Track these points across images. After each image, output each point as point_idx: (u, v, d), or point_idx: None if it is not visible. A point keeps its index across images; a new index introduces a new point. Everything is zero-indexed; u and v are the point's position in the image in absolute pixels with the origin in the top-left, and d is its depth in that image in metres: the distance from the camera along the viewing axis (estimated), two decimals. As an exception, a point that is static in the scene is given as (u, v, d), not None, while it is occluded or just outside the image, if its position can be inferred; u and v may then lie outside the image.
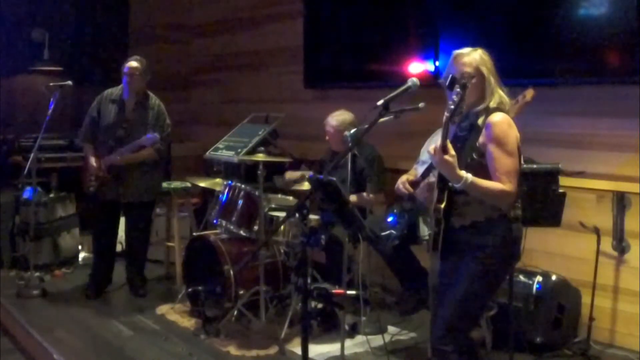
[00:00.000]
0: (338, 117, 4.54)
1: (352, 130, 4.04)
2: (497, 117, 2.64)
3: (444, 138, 2.53)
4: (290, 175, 4.79)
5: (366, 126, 3.03)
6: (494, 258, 2.68)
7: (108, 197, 4.86)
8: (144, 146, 4.69)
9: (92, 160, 4.82)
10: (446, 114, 2.56)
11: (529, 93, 3.48)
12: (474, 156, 2.61)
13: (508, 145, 2.61)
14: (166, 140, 4.88)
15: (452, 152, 2.53)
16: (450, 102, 2.57)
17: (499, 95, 2.71)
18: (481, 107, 2.69)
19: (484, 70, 2.68)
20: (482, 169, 2.61)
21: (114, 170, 4.76)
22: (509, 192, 2.59)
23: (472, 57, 2.70)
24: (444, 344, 2.74)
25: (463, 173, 2.54)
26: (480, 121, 2.66)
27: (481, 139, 2.64)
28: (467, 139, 2.69)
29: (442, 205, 2.68)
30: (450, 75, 2.62)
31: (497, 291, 2.94)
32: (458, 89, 2.55)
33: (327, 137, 4.60)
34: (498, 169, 2.60)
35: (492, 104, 2.69)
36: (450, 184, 2.65)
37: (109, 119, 4.82)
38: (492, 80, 2.69)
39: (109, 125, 4.81)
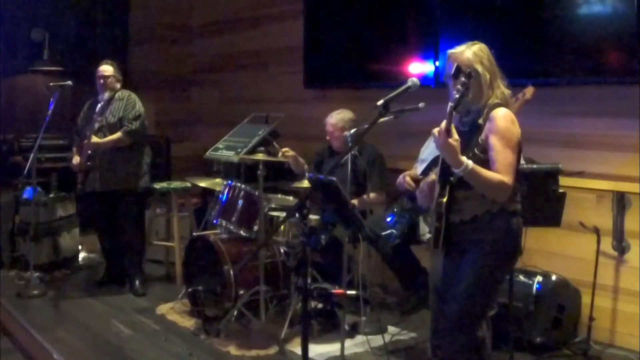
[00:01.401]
0: (337, 116, 4.55)
1: (352, 130, 4.05)
2: (500, 112, 2.64)
3: (449, 123, 2.51)
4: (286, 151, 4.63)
5: (366, 126, 3.03)
6: (495, 252, 2.67)
7: (89, 187, 4.93)
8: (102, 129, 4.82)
9: (74, 159, 4.98)
10: (450, 103, 2.55)
11: (529, 91, 3.48)
12: (477, 152, 2.61)
13: (509, 139, 2.61)
14: (134, 124, 4.87)
15: (456, 136, 2.51)
16: (455, 92, 2.56)
17: (500, 91, 2.70)
18: (481, 103, 2.68)
19: (479, 67, 2.66)
20: (484, 166, 2.59)
21: (93, 160, 4.86)
22: (507, 184, 2.57)
23: (466, 55, 2.69)
24: (449, 342, 2.73)
25: (464, 159, 2.53)
26: (481, 119, 2.66)
27: (484, 135, 2.63)
28: (469, 135, 2.68)
29: (444, 200, 2.67)
30: (455, 64, 2.61)
31: (500, 287, 2.92)
32: (463, 78, 2.55)
33: (327, 137, 4.60)
34: (498, 161, 2.59)
35: (493, 100, 2.68)
36: (451, 178, 2.64)
37: (87, 118, 4.99)
38: (488, 76, 2.68)
39: (87, 123, 4.96)
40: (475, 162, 2.57)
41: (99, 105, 4.95)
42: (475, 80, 2.63)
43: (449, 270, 2.80)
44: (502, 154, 2.59)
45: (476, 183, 2.59)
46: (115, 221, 5.05)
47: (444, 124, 2.52)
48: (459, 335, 2.72)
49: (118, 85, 5.01)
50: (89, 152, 4.84)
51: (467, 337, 2.73)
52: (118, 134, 4.84)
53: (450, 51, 2.75)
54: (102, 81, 4.96)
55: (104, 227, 5.17)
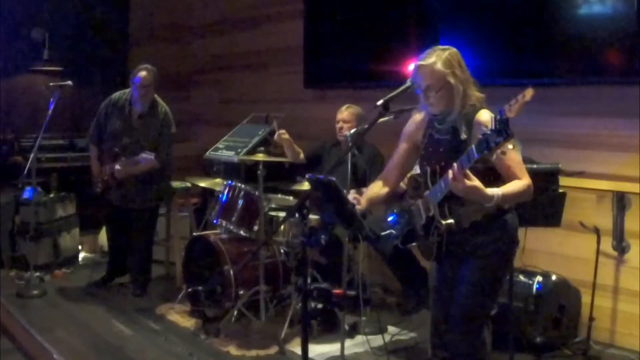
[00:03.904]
0: (348, 109, 4.51)
1: (352, 130, 4.05)
2: (484, 116, 2.58)
3: (461, 168, 2.42)
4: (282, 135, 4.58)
5: (366, 126, 3.03)
6: (496, 253, 2.66)
7: (113, 202, 4.92)
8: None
9: (95, 164, 4.93)
10: (457, 163, 2.45)
11: (528, 93, 3.46)
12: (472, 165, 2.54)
13: None
14: (168, 149, 4.87)
15: (473, 177, 2.44)
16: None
17: (472, 98, 2.63)
18: (454, 114, 2.62)
19: (451, 80, 2.59)
20: (485, 176, 2.55)
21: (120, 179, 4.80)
22: (530, 184, 2.57)
23: (437, 68, 2.60)
24: (458, 345, 2.72)
25: (491, 191, 2.48)
26: (462, 131, 2.59)
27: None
28: (451, 141, 2.64)
29: (450, 221, 2.62)
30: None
31: (504, 284, 2.91)
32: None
33: (341, 127, 4.51)
34: (510, 166, 2.56)
35: (466, 109, 2.61)
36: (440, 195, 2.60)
37: (115, 126, 4.84)
38: (461, 88, 2.60)
39: (115, 132, 4.83)
40: (475, 175, 2.50)
41: (133, 116, 4.81)
42: (446, 91, 2.59)
43: (450, 274, 2.78)
44: (508, 157, 2.52)
45: (511, 201, 2.60)
46: (129, 225, 5.01)
47: (455, 168, 2.43)
48: (467, 337, 2.71)
49: (154, 93, 4.83)
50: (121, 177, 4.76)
51: (476, 338, 2.73)
52: (152, 162, 4.67)
53: (419, 62, 2.65)
54: (142, 92, 4.71)
55: (116, 228, 5.13)
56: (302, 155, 4.61)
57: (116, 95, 4.95)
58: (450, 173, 2.46)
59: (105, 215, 5.22)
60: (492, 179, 2.58)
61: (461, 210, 2.64)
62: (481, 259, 2.66)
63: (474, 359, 2.74)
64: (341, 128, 4.50)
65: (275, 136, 4.54)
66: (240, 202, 4.33)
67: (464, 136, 2.59)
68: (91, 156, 5.04)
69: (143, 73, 4.72)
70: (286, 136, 4.51)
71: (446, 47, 2.68)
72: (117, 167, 4.73)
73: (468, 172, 2.44)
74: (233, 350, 3.91)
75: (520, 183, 2.56)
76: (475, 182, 2.45)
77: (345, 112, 4.52)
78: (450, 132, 2.66)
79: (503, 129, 2.25)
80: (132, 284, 5.04)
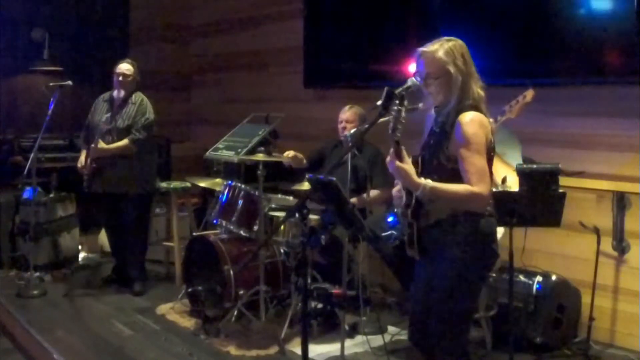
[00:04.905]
0: (351, 109, 4.50)
1: (352, 130, 4.04)
2: (467, 117, 2.50)
3: (396, 148, 2.43)
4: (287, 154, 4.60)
5: (366, 126, 3.03)
6: (463, 258, 2.55)
7: (97, 190, 4.93)
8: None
9: (81, 159, 4.98)
10: (390, 130, 2.46)
11: (529, 93, 3.49)
12: (442, 161, 2.52)
13: (477, 144, 2.47)
14: (142, 133, 4.85)
15: (407, 159, 2.46)
16: (391, 117, 2.48)
17: (473, 92, 2.55)
18: (451, 106, 2.56)
19: (451, 68, 2.51)
20: (453, 176, 2.50)
21: (99, 162, 4.84)
22: (479, 193, 2.46)
23: (438, 55, 2.53)
24: (438, 347, 2.69)
25: (422, 180, 2.44)
26: (448, 124, 2.55)
27: (451, 144, 2.52)
28: (440, 136, 2.60)
29: (410, 210, 2.59)
30: (386, 89, 2.49)
31: (479, 292, 2.79)
32: (397, 102, 2.45)
33: (344, 127, 4.51)
34: (468, 170, 2.47)
35: (464, 102, 2.54)
36: None
37: (98, 119, 4.95)
38: (460, 78, 2.52)
39: (97, 124, 4.93)
40: (442, 172, 2.48)
41: (114, 105, 4.92)
42: (445, 82, 2.53)
43: (422, 274, 2.72)
44: (470, 161, 2.47)
45: (443, 200, 2.51)
46: (120, 221, 5.05)
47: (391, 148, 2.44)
48: (444, 341, 2.66)
49: (135, 86, 4.98)
50: (95, 156, 4.83)
51: (455, 342, 2.67)
52: (125, 142, 4.81)
53: (421, 49, 2.60)
54: (120, 79, 4.92)
55: (112, 226, 5.18)
56: (304, 161, 4.61)
57: (103, 94, 5.09)
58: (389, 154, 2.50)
59: (103, 216, 5.24)
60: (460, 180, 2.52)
61: (429, 206, 2.57)
62: (450, 262, 2.57)
63: None
64: (344, 128, 4.49)
65: (286, 163, 4.54)
66: (240, 202, 4.33)
67: (447, 131, 2.55)
68: (81, 155, 5.06)
69: (123, 64, 4.96)
70: (291, 154, 4.51)
71: (453, 38, 2.61)
72: (92, 145, 4.79)
73: (404, 153, 2.46)
74: (233, 350, 3.91)
75: (463, 187, 2.47)
76: (406, 165, 2.46)
77: (348, 112, 4.52)
78: (441, 126, 2.61)
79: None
80: (131, 283, 5.03)
